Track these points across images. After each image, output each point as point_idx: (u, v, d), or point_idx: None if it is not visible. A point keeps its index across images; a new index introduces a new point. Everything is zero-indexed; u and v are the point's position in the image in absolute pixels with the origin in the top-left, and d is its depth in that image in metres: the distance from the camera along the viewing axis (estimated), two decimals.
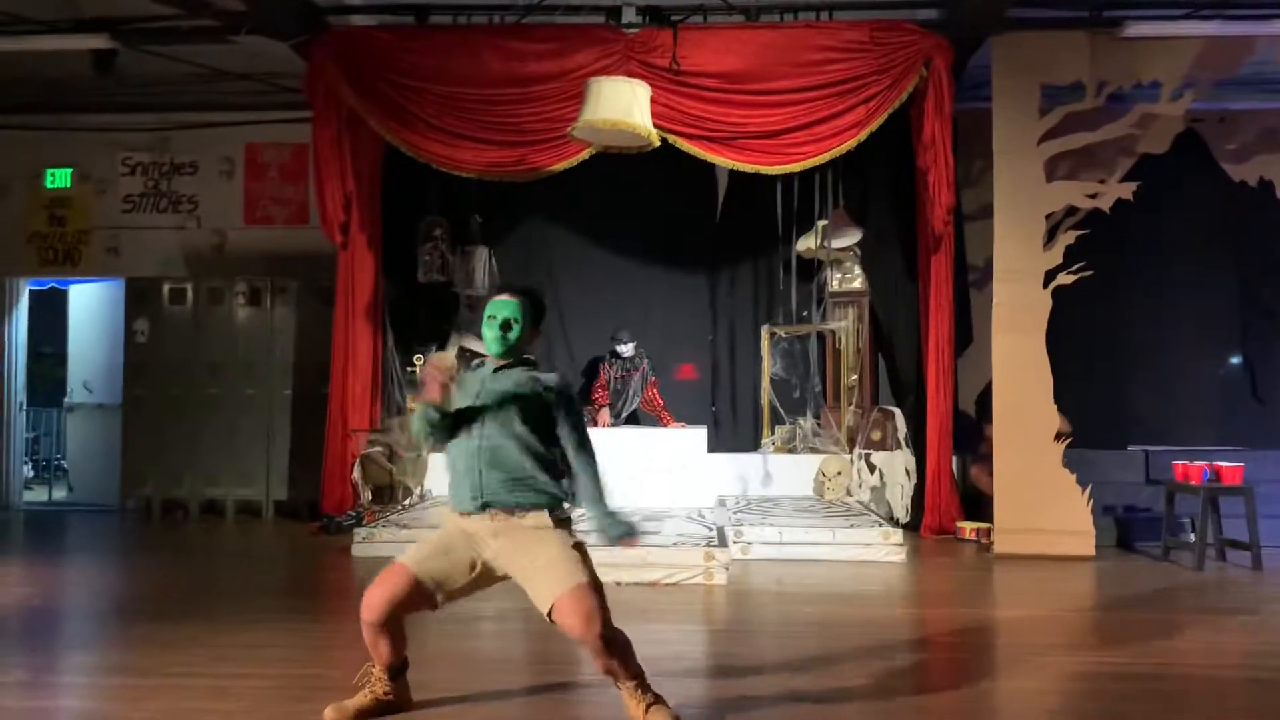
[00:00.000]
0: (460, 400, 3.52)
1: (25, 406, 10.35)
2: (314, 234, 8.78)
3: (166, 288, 9.50)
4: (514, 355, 3.59)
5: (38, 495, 10.77)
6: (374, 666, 3.64)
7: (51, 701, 3.97)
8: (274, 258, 9.62)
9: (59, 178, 10.00)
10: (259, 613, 5.26)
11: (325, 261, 8.69)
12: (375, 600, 3.46)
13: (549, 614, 3.35)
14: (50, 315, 11.10)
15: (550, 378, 3.59)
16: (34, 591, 6.05)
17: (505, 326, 3.54)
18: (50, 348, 11.78)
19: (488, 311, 3.58)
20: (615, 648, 3.37)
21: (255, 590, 6.04)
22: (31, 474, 11.45)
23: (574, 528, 3.58)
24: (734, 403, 9.73)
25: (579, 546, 3.48)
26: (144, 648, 4.55)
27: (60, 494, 10.69)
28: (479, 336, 3.81)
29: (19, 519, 9.48)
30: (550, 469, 3.53)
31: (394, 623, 3.52)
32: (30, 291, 10.32)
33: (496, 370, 3.58)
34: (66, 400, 10.54)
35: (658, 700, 3.46)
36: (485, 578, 3.55)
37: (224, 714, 3.61)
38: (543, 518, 3.47)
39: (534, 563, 3.42)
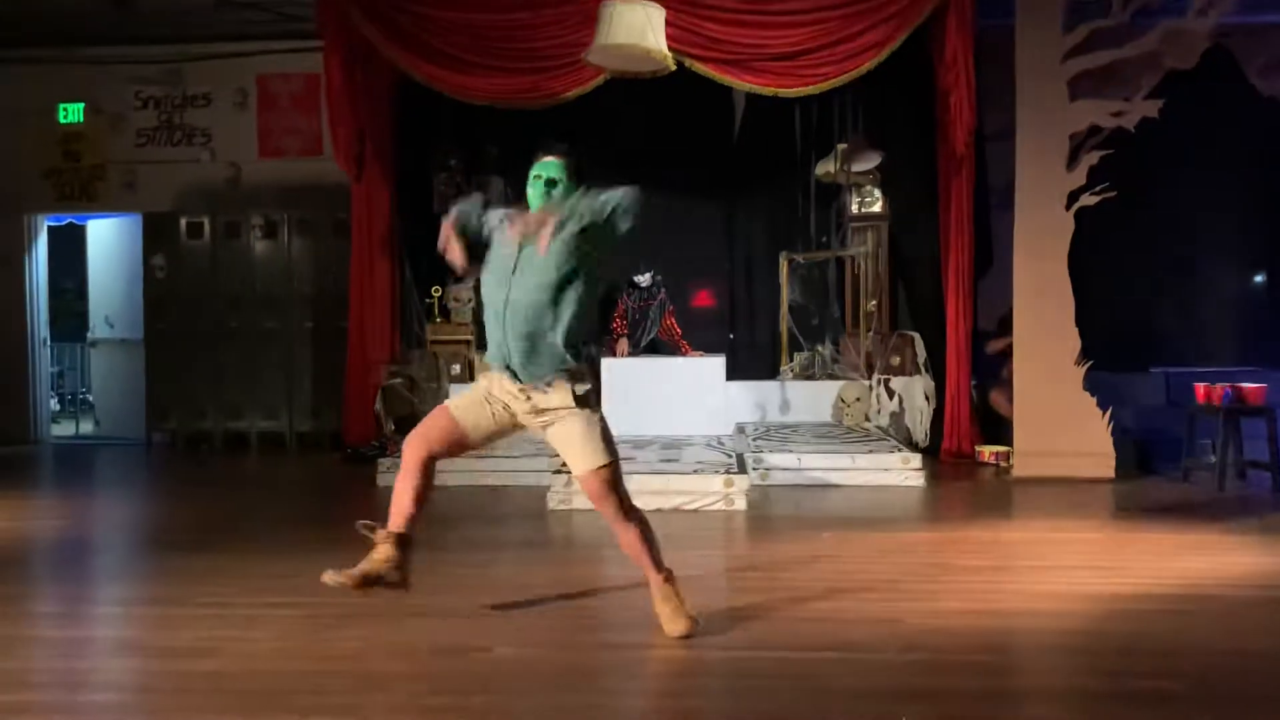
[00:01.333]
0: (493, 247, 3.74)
1: (49, 342, 10.45)
2: (329, 166, 8.72)
3: (183, 222, 9.51)
4: (551, 209, 3.64)
5: (65, 429, 10.93)
6: (379, 530, 3.70)
7: (87, 631, 4.06)
8: (289, 190, 9.57)
9: (71, 112, 9.93)
10: (286, 543, 5.34)
11: (341, 193, 8.66)
12: (416, 436, 3.75)
13: (577, 481, 3.73)
14: (69, 251, 11.14)
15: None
16: (66, 524, 6.17)
17: (550, 184, 3.69)
18: (70, 283, 11.84)
19: (533, 172, 3.73)
20: (636, 521, 3.71)
21: (282, 521, 6.13)
22: (57, 408, 11.60)
23: (595, 404, 3.72)
24: (752, 330, 9.71)
25: (602, 422, 3.69)
26: (176, 578, 4.63)
27: (87, 428, 10.84)
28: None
29: (48, 452, 9.63)
30: (572, 331, 3.65)
31: (428, 465, 3.74)
32: (48, 228, 10.34)
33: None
34: (89, 335, 10.63)
35: (686, 608, 3.68)
36: (517, 429, 3.83)
37: (256, 641, 3.69)
38: (566, 395, 3.64)
39: (561, 437, 3.70)
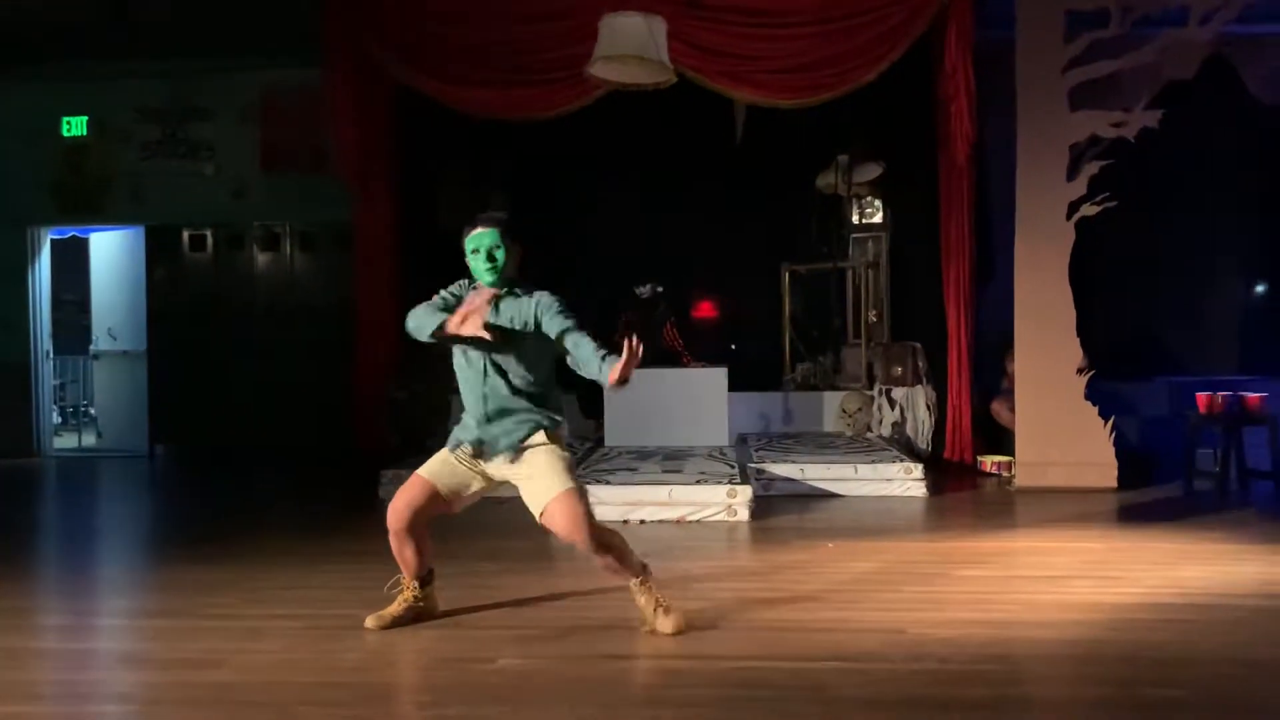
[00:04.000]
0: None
1: (51, 354, 10.46)
2: (331, 179, 8.74)
3: (186, 234, 9.55)
4: (507, 280, 3.78)
5: (67, 442, 10.94)
6: (403, 576, 3.95)
7: (92, 643, 4.07)
8: (292, 203, 9.60)
9: (75, 126, 9.97)
10: (290, 555, 5.35)
11: (344, 206, 8.69)
12: (398, 507, 3.83)
13: (540, 517, 3.71)
14: (72, 263, 11.16)
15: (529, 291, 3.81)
16: (71, 536, 6.17)
17: (490, 257, 3.75)
18: (72, 295, 11.85)
19: (469, 246, 3.79)
20: (606, 546, 3.72)
21: (285, 533, 6.13)
22: (60, 421, 11.61)
23: (563, 440, 3.85)
24: (754, 341, 9.73)
25: (566, 458, 3.78)
26: (180, 590, 4.64)
27: (90, 440, 10.85)
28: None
29: (51, 465, 9.64)
30: (543, 395, 3.81)
31: (417, 530, 3.86)
32: (51, 241, 10.36)
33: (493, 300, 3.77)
34: (91, 347, 10.65)
35: (668, 605, 3.81)
36: (491, 484, 3.92)
37: (261, 653, 3.69)
38: (536, 437, 3.77)
39: (526, 471, 3.76)
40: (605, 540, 3.74)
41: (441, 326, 3.64)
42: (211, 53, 9.43)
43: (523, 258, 3.85)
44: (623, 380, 3.44)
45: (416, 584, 3.96)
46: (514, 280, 3.82)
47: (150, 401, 9.65)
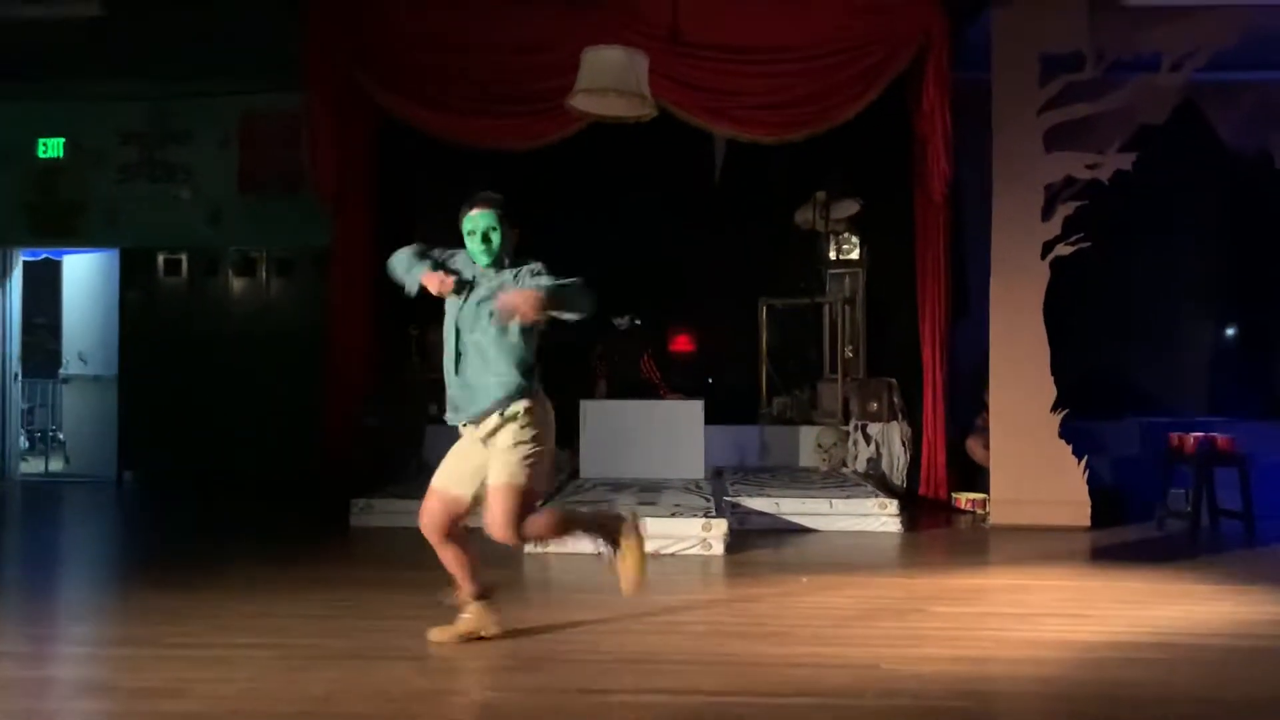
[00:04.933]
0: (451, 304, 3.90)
1: (20, 377, 10.32)
2: (309, 202, 8.68)
3: (161, 258, 9.48)
4: (502, 261, 3.89)
5: (34, 467, 10.77)
6: (457, 596, 4.04)
7: (54, 671, 3.98)
8: (269, 228, 9.53)
9: (51, 147, 9.88)
10: (257, 582, 5.26)
11: (320, 230, 8.63)
12: (424, 524, 3.93)
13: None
14: (44, 286, 11.05)
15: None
16: (34, 562, 6.06)
17: (485, 238, 3.84)
18: (43, 318, 11.72)
19: (466, 228, 3.88)
20: (536, 538, 4.04)
21: (253, 560, 6.03)
22: (27, 445, 11.44)
23: (536, 417, 3.85)
24: (731, 374, 9.74)
25: (526, 446, 3.81)
26: (144, 618, 4.56)
27: (57, 465, 10.69)
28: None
29: (16, 490, 9.48)
30: (520, 364, 3.85)
31: (451, 537, 3.93)
32: (24, 262, 10.26)
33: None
34: (61, 371, 10.52)
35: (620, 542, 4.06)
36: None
37: (226, 683, 3.62)
38: (494, 419, 3.81)
39: (491, 451, 3.86)
40: (534, 535, 3.97)
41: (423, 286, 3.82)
42: (191, 76, 9.40)
43: (516, 238, 3.95)
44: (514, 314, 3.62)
45: (474, 598, 4.03)
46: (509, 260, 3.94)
47: (120, 427, 9.52)
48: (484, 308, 3.81)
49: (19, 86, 9.54)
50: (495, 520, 3.79)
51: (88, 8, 7.74)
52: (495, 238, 3.84)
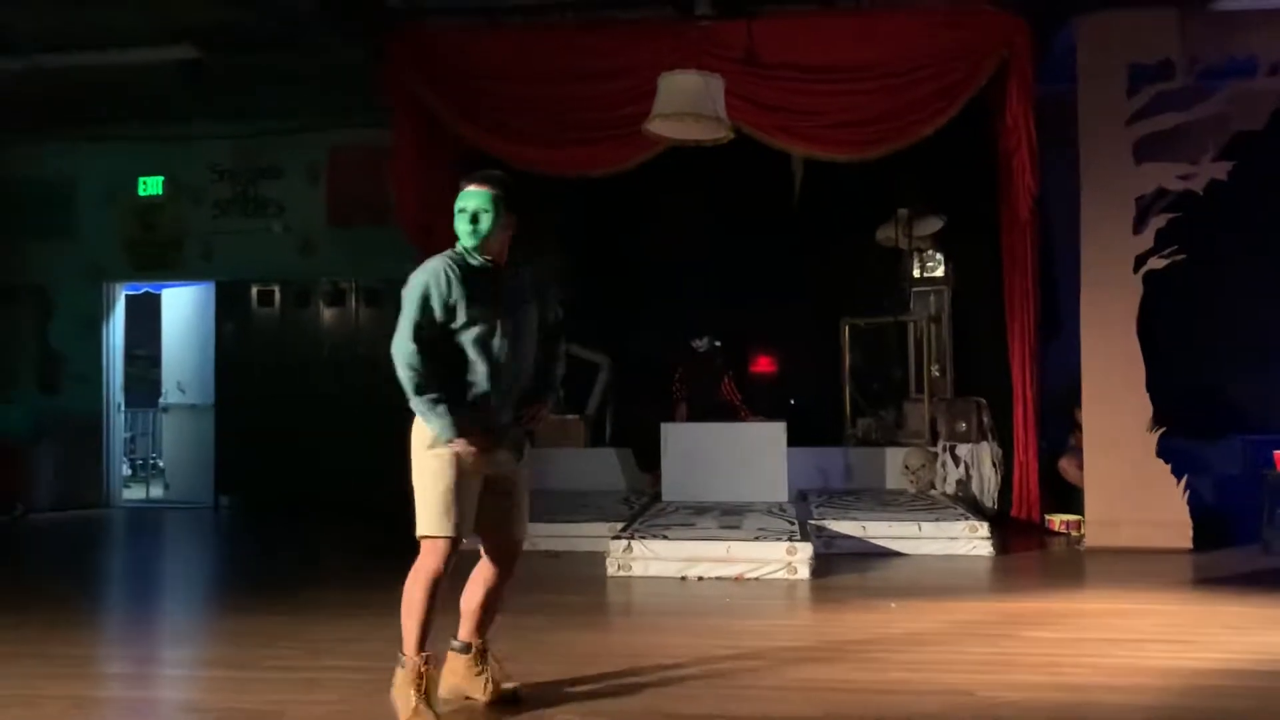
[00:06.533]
0: (464, 300, 3.48)
1: (123, 407, 10.71)
2: (396, 233, 8.87)
3: (255, 290, 9.77)
4: (486, 246, 3.50)
5: (136, 493, 11.15)
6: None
7: (154, 693, 4.10)
8: (358, 258, 9.77)
9: (151, 185, 10.31)
10: (351, 607, 5.35)
11: (408, 260, 8.77)
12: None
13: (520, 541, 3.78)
14: (144, 319, 11.46)
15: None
16: (136, 586, 6.26)
17: (474, 219, 3.47)
18: (144, 350, 12.16)
19: (457, 205, 3.50)
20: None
21: (343, 584, 6.16)
22: (129, 473, 11.86)
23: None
24: (814, 396, 9.65)
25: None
26: (240, 641, 4.67)
27: (157, 491, 11.05)
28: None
29: (120, 516, 9.82)
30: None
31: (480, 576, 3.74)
32: (125, 296, 10.68)
33: (492, 272, 3.54)
34: (161, 401, 10.88)
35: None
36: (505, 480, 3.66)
37: (319, 705, 3.69)
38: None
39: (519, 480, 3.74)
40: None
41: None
42: (281, 114, 9.71)
43: (512, 228, 3.56)
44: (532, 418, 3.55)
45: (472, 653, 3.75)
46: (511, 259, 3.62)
47: (216, 454, 9.82)
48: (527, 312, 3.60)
49: (121, 128, 9.97)
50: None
51: (184, 51, 8.07)
52: (485, 220, 3.45)
